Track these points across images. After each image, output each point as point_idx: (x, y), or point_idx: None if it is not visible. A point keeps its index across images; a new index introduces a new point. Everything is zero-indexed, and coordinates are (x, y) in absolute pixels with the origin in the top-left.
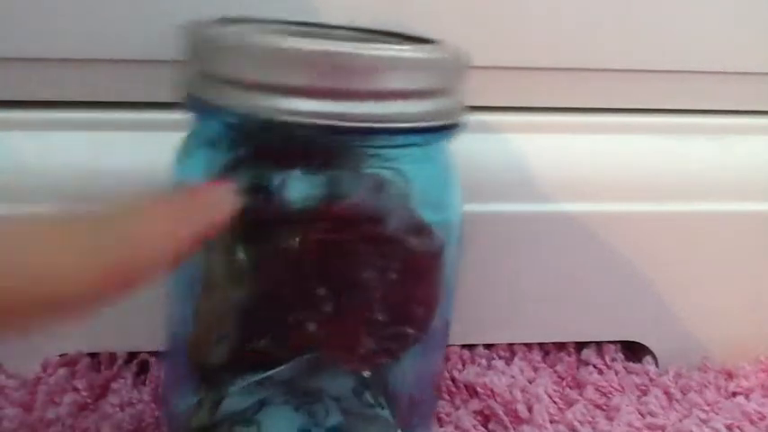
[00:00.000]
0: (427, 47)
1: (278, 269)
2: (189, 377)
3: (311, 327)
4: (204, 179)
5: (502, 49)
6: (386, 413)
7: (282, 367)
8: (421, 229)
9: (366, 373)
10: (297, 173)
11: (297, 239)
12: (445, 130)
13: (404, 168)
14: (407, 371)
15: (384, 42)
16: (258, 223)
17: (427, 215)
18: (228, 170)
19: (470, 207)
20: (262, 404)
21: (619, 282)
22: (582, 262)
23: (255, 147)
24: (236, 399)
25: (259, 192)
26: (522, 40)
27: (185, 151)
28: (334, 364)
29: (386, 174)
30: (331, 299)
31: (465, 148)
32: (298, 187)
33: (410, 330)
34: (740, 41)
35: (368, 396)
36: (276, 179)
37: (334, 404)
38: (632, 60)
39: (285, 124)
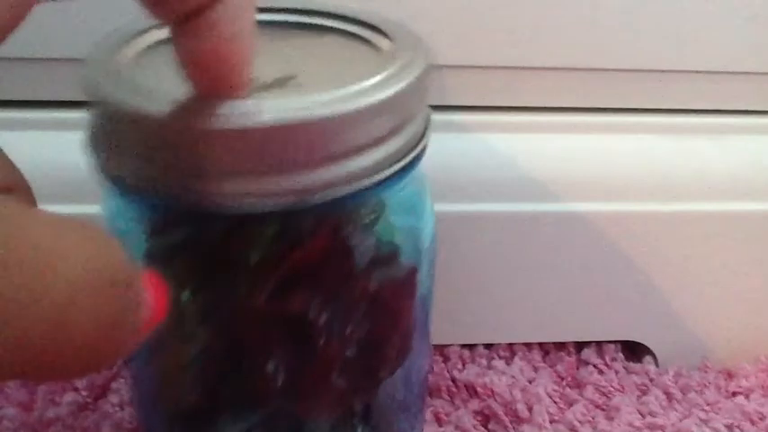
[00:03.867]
0: (384, 81)
1: (235, 323)
2: (162, 425)
3: (276, 380)
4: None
5: (502, 49)
6: None
7: (256, 415)
8: (388, 262)
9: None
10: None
11: (251, 292)
12: (415, 159)
13: (375, 199)
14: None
15: (327, 37)
16: (210, 279)
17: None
18: (166, 232)
19: (470, 207)
20: None
21: (619, 282)
22: (582, 262)
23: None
24: None
25: (208, 248)
26: (523, 40)
27: (113, 217)
28: (307, 414)
29: (351, 212)
30: (289, 362)
31: (465, 148)
32: (250, 238)
33: (382, 372)
34: (740, 41)
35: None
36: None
37: None
38: (632, 60)
39: (225, 210)
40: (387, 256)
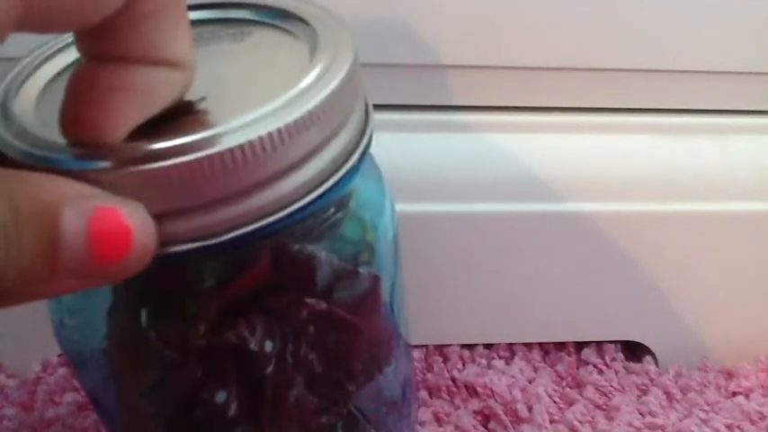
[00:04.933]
0: (303, 91)
1: (183, 355)
2: None
3: (228, 410)
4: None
5: (502, 49)
6: None
7: None
8: (345, 277)
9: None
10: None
11: (193, 324)
12: (362, 156)
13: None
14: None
15: (242, 33)
16: (161, 309)
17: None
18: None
19: (470, 207)
20: None
21: (619, 282)
22: (582, 262)
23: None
24: None
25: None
26: (522, 40)
27: None
28: None
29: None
30: (242, 391)
31: (465, 148)
32: (192, 269)
33: (351, 386)
34: (740, 41)
35: None
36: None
37: None
38: (632, 60)
39: (165, 257)
40: (345, 272)
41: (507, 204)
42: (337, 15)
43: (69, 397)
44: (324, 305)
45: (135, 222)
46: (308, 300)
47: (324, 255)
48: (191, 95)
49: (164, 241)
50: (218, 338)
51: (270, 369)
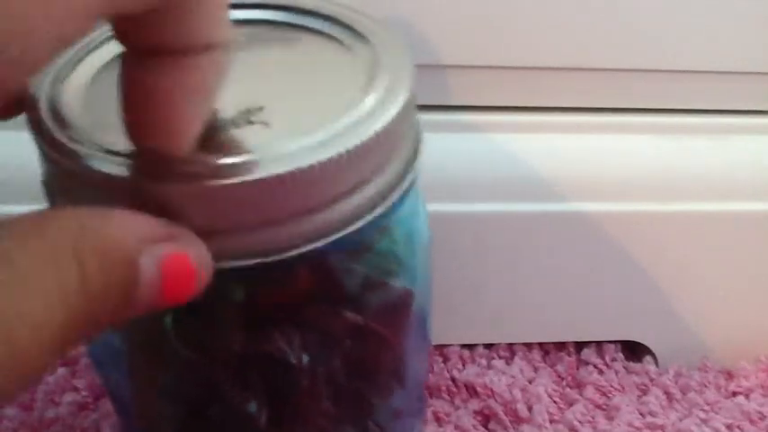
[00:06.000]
0: (365, 117)
1: (213, 362)
2: None
3: (260, 420)
4: None
5: (502, 49)
6: None
7: None
8: (379, 292)
9: None
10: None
11: (230, 333)
12: (411, 185)
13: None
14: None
15: (295, 42)
16: (192, 314)
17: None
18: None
19: (470, 207)
20: None
21: (619, 281)
22: (582, 262)
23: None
24: None
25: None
26: (522, 40)
27: None
28: None
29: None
30: (272, 402)
31: (465, 148)
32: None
33: (375, 400)
34: (740, 41)
35: None
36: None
37: None
38: (632, 60)
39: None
40: (376, 283)
41: (507, 204)
42: (393, 29)
43: (69, 397)
44: (360, 318)
45: (199, 263)
46: (346, 313)
47: (358, 267)
48: (248, 102)
49: (219, 255)
50: (256, 349)
51: (305, 382)
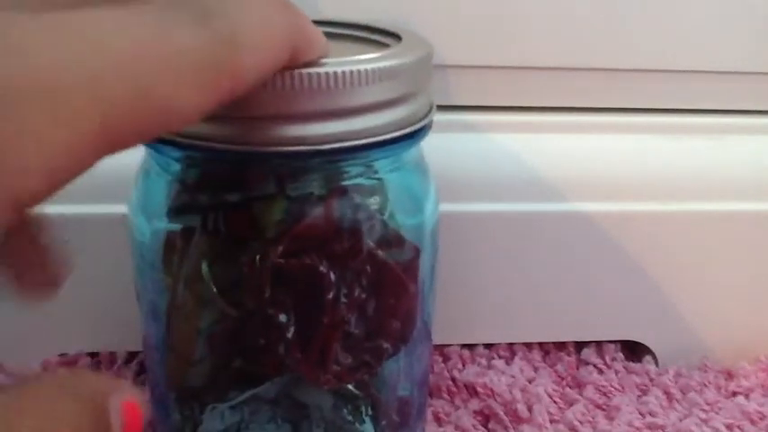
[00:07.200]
0: (390, 52)
1: (245, 292)
2: (168, 399)
3: (282, 349)
4: (163, 206)
5: (502, 49)
6: (367, 427)
7: (263, 386)
8: (393, 240)
9: (350, 385)
10: (262, 195)
11: (262, 261)
12: (417, 134)
13: (378, 176)
14: (393, 374)
15: (342, 40)
16: (223, 247)
17: (402, 219)
18: (187, 197)
19: (470, 207)
20: (241, 424)
21: (618, 281)
22: (582, 262)
23: (216, 175)
24: (216, 420)
25: (221, 216)
26: (522, 40)
27: (144, 176)
28: (311, 382)
29: (358, 185)
30: (300, 319)
31: (466, 148)
32: (263, 209)
33: (386, 344)
34: (740, 41)
35: (347, 412)
36: (238, 203)
37: (319, 419)
38: (632, 60)
39: (247, 154)
40: (393, 235)
41: (507, 204)
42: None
43: None
44: (381, 253)
45: (144, 405)
46: (369, 244)
47: (380, 221)
48: None
49: (275, 141)
50: (293, 260)
51: (330, 295)
